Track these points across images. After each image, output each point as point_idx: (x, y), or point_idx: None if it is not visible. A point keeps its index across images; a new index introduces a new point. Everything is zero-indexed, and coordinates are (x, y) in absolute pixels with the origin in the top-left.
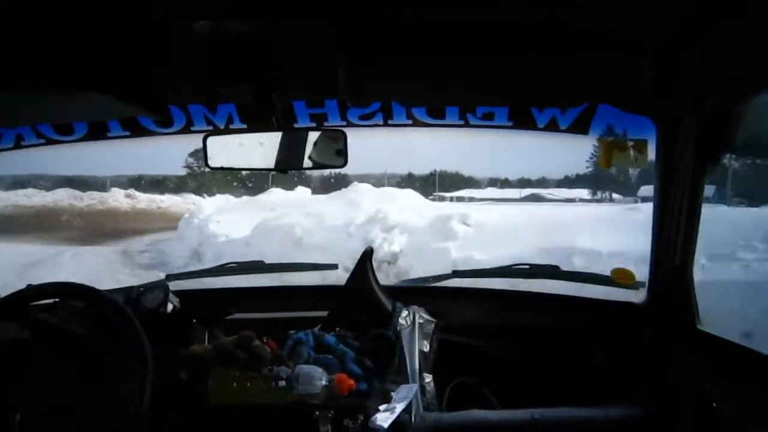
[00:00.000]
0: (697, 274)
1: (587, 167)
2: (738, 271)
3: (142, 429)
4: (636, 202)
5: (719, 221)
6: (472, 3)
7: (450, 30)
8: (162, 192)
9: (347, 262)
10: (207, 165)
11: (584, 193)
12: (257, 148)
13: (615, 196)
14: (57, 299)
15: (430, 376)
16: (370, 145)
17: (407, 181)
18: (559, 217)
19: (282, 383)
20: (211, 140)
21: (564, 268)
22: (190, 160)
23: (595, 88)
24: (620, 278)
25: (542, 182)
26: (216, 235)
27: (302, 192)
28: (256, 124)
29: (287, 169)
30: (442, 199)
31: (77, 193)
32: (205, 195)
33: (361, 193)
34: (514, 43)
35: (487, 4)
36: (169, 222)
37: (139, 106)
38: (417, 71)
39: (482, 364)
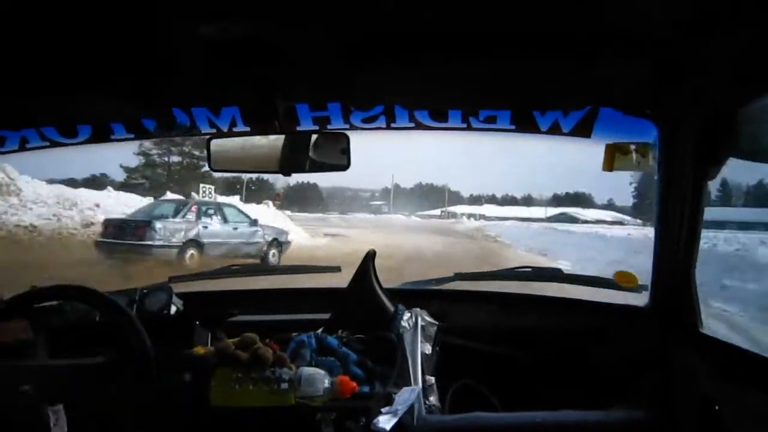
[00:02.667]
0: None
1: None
2: None
3: (145, 430)
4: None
5: None
6: (474, 6)
7: (452, 33)
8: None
9: None
10: (210, 168)
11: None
12: (260, 151)
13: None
14: (61, 301)
15: (433, 378)
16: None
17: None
18: None
19: (284, 385)
20: (214, 143)
21: None
22: (148, 145)
23: (597, 91)
24: (623, 281)
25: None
26: None
27: None
28: (259, 127)
29: (290, 171)
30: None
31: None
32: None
33: None
34: (516, 46)
35: (489, 7)
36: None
37: (142, 109)
38: (420, 74)
39: (485, 367)
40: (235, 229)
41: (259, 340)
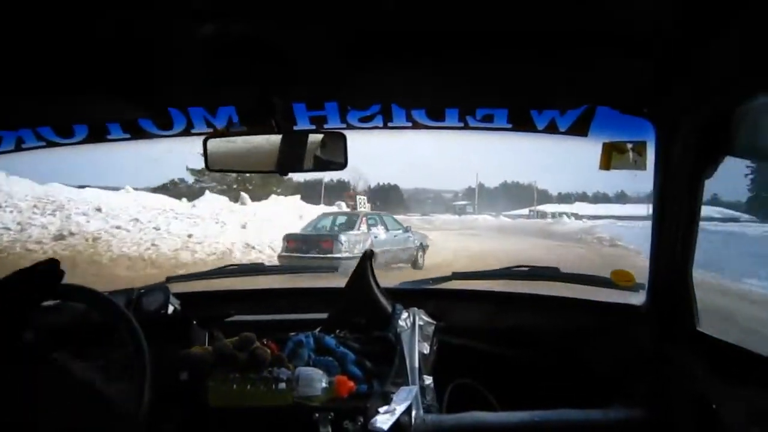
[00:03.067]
0: None
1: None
2: None
3: (142, 430)
4: None
5: None
6: (473, 6)
7: (450, 32)
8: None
9: None
10: (207, 167)
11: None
12: (257, 150)
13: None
14: (59, 300)
15: (430, 377)
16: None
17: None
18: None
19: (282, 385)
20: (211, 142)
21: None
22: None
23: (594, 89)
24: (620, 280)
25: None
26: None
27: None
28: (255, 127)
29: (287, 171)
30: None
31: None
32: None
33: None
34: (514, 45)
35: (488, 7)
36: None
37: (139, 108)
38: (418, 74)
39: (482, 366)
40: (395, 236)
41: (256, 339)
